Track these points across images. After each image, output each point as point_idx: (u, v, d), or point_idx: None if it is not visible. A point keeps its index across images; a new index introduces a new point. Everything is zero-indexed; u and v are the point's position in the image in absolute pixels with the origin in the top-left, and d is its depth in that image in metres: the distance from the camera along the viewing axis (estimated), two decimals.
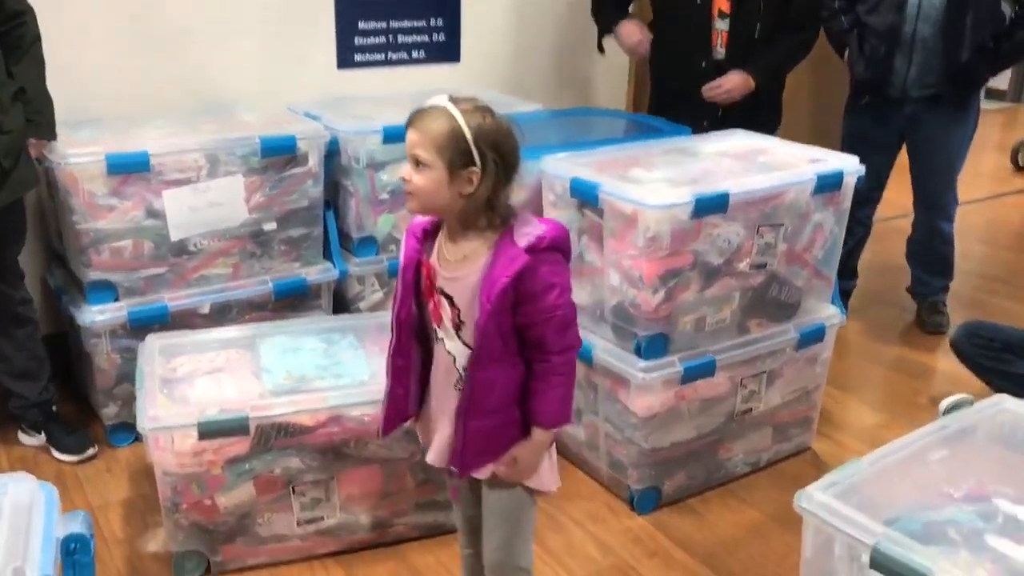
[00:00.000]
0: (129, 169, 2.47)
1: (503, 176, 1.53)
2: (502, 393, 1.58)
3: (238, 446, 2.08)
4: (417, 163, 1.51)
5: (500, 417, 1.60)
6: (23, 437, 2.67)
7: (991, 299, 3.97)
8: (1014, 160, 6.12)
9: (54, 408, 2.66)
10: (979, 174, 5.94)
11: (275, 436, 2.10)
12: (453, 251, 1.58)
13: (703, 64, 3.10)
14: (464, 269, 1.56)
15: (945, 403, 2.92)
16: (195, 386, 2.22)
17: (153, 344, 2.32)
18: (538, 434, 1.60)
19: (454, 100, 1.54)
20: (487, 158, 1.50)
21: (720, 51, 3.10)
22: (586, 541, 2.33)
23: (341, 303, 3.01)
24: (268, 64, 3.08)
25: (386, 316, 2.65)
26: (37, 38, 2.35)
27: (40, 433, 2.64)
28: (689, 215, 2.17)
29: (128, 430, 2.67)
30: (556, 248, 1.54)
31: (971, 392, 2.92)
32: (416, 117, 1.53)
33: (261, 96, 3.05)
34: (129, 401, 2.62)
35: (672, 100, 3.23)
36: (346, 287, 2.99)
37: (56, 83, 2.42)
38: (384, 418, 1.73)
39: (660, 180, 2.33)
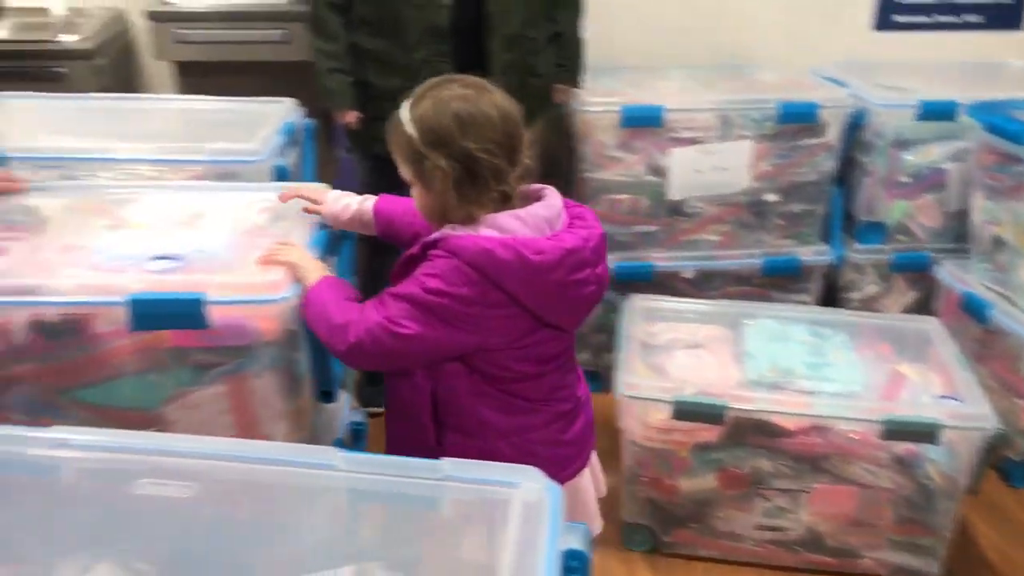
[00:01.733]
0: (642, 123, 2.41)
1: (463, 177, 1.28)
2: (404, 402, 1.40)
3: (710, 433, 1.95)
4: None
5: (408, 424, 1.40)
6: None
7: None
8: None
9: None
10: None
11: (750, 432, 1.93)
12: None
13: None
14: None
15: None
16: (674, 358, 2.12)
17: (637, 304, 2.26)
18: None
19: (428, 88, 1.34)
20: (427, 160, 1.28)
21: None
22: None
23: (830, 291, 2.73)
24: (794, 20, 2.84)
25: (889, 320, 2.38)
26: None
27: None
28: None
29: (595, 378, 2.68)
30: (456, 254, 1.27)
31: None
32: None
33: (783, 55, 2.82)
34: (600, 350, 2.63)
35: None
36: (839, 274, 2.70)
37: (586, 27, 2.41)
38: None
39: None
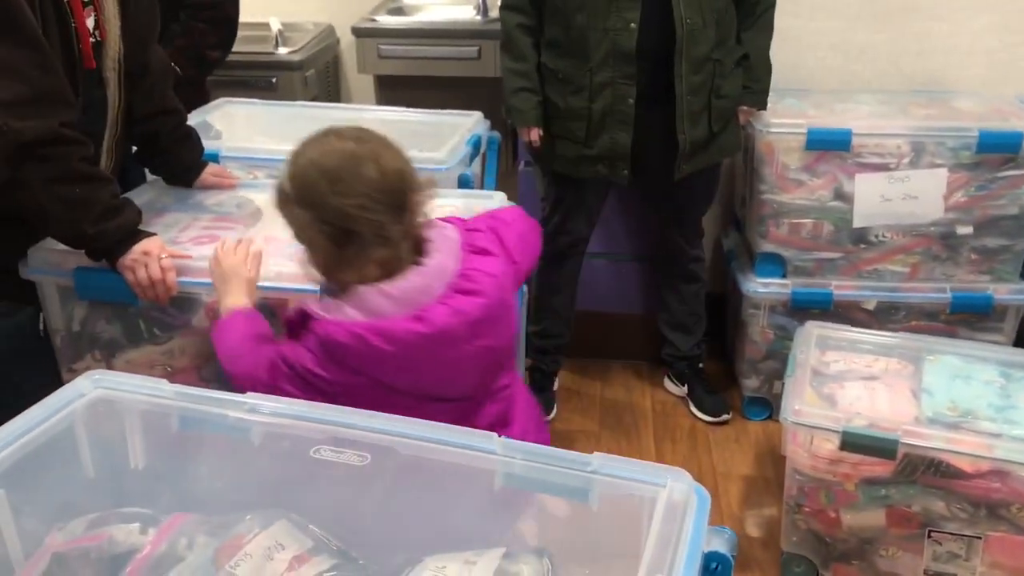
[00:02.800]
0: (828, 146, 2.36)
1: (339, 237, 1.22)
2: None
3: (879, 467, 1.88)
4: None
5: None
6: (668, 384, 2.80)
7: None
8: None
9: (700, 365, 2.74)
10: None
11: (923, 470, 1.85)
12: None
13: None
14: None
15: None
16: (846, 388, 2.05)
17: (811, 332, 2.21)
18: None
19: (305, 143, 1.26)
20: (303, 218, 1.23)
21: None
22: None
23: None
24: (1001, 46, 2.68)
25: None
26: (772, 4, 2.33)
27: (683, 385, 2.74)
28: None
29: (764, 406, 2.64)
30: (316, 335, 1.22)
31: None
32: None
33: (986, 82, 2.68)
34: (771, 377, 2.58)
35: None
36: None
37: (772, 49, 2.39)
38: None
39: None
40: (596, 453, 1.00)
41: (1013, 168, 2.35)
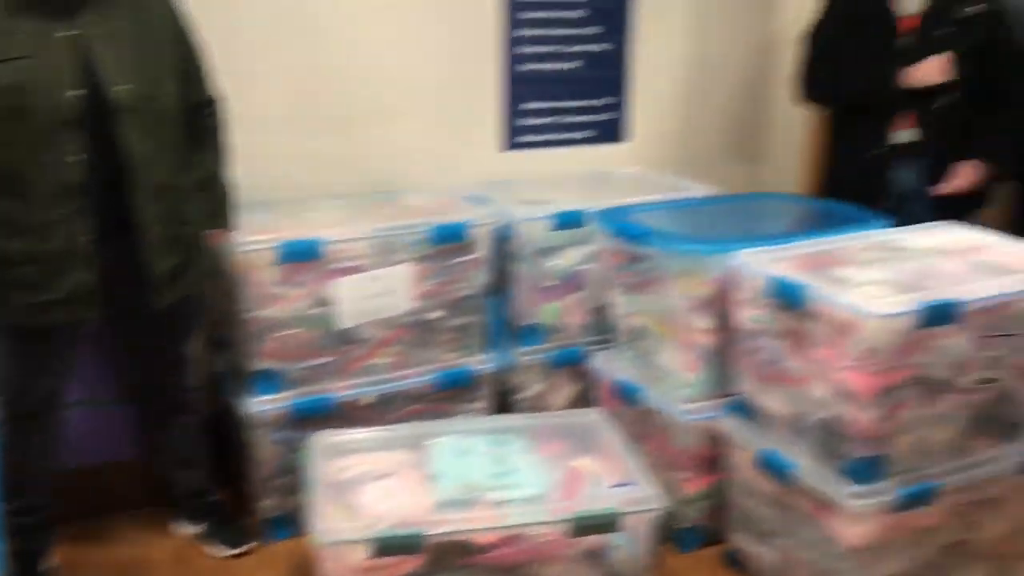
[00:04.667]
0: (300, 258, 2.40)
1: None
2: None
3: (413, 563, 1.93)
4: None
5: None
6: (182, 526, 2.59)
7: None
8: None
9: (212, 498, 2.59)
10: None
11: (451, 555, 1.95)
12: None
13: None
14: None
15: None
16: (365, 493, 2.09)
17: (320, 443, 2.21)
18: None
19: None
20: None
21: (909, 133, 2.83)
22: None
23: (503, 396, 2.86)
24: (434, 146, 3.00)
25: (558, 418, 2.53)
26: (223, 126, 2.31)
27: (199, 523, 2.56)
28: (914, 326, 1.94)
29: (286, 523, 2.57)
30: None
31: None
32: None
33: (428, 179, 2.97)
34: (287, 493, 2.53)
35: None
36: (508, 378, 2.84)
37: (235, 166, 2.37)
38: None
39: (873, 282, 2.10)
40: None
41: (464, 254, 2.62)
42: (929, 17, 2.75)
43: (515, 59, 3.04)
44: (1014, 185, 3.00)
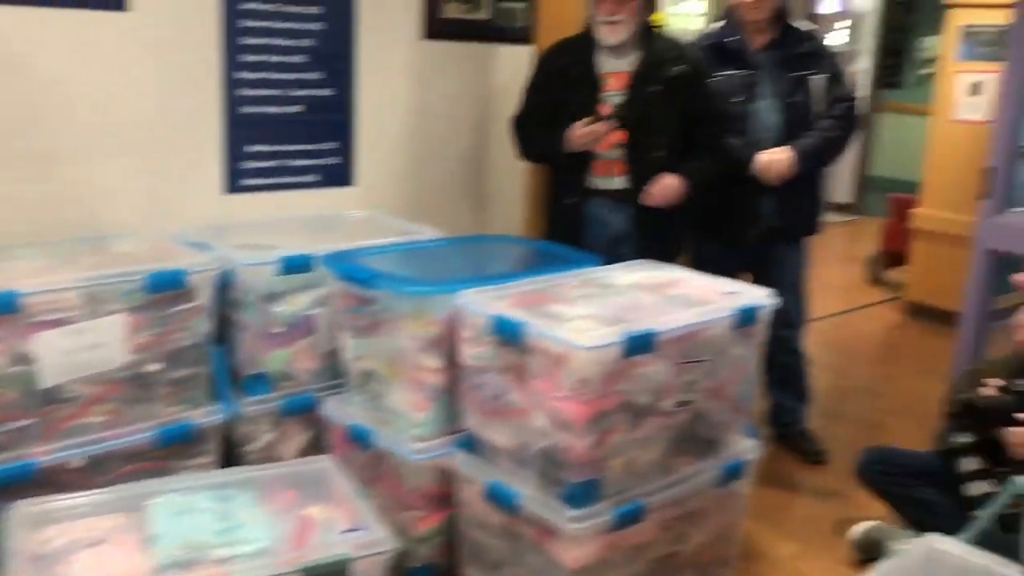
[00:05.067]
0: None
1: None
2: None
3: None
4: None
5: None
6: None
7: (871, 415, 4.09)
8: (870, 272, 6.44)
9: None
10: (835, 287, 6.23)
11: None
12: None
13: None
14: None
15: (855, 531, 2.94)
16: (73, 563, 1.93)
17: (22, 512, 2.02)
18: None
19: None
20: None
21: (620, 180, 3.10)
22: None
23: (230, 447, 2.75)
24: (149, 187, 2.87)
25: (288, 467, 2.47)
26: None
27: None
28: (619, 355, 2.10)
29: None
30: None
31: (879, 518, 2.94)
32: None
33: (140, 222, 2.83)
34: None
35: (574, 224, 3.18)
36: (235, 429, 2.74)
37: None
38: None
39: (584, 317, 2.25)
40: None
41: (184, 302, 2.51)
42: (640, 75, 3.04)
43: (236, 101, 2.99)
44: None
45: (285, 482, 2.32)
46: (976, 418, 2.61)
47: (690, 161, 3.11)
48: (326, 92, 3.17)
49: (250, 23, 2.96)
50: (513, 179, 3.67)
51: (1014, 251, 3.23)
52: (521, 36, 3.61)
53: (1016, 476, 2.26)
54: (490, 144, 3.63)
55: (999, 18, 4.25)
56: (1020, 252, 3.21)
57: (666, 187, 3.05)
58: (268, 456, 2.77)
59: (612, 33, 3.03)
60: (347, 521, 2.16)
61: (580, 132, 3.00)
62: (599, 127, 2.99)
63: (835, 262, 6.83)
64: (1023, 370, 2.55)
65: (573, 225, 3.17)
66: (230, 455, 2.74)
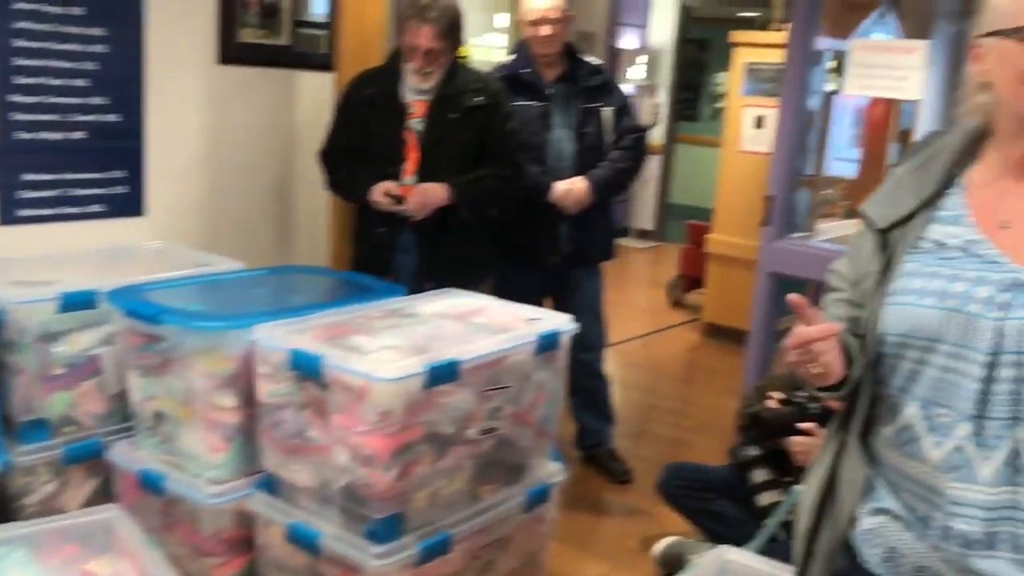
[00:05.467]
0: None
1: None
2: None
3: None
4: None
5: None
6: None
7: (674, 433, 4.26)
8: (670, 295, 6.75)
9: None
10: (639, 310, 6.49)
11: None
12: None
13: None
14: None
15: (657, 547, 3.04)
16: None
17: None
18: None
19: None
20: None
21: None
22: None
23: (4, 502, 2.52)
24: None
25: (70, 519, 2.29)
26: None
27: None
28: (422, 386, 2.08)
29: None
30: None
31: (682, 533, 3.06)
32: None
33: None
34: None
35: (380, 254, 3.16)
36: (10, 481, 2.52)
37: None
38: None
39: (385, 348, 2.22)
40: None
41: None
42: (441, 103, 3.05)
43: (9, 126, 2.77)
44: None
45: (65, 536, 2.14)
46: (763, 430, 2.77)
47: (463, 176, 3.11)
48: (112, 118, 2.99)
49: (24, 43, 2.76)
50: (320, 209, 3.60)
51: (794, 274, 3.46)
52: (323, 63, 3.55)
53: (797, 485, 2.40)
54: (296, 172, 3.55)
55: (777, 56, 4.58)
56: (799, 275, 3.45)
57: (426, 192, 3.05)
58: (49, 509, 2.56)
59: (423, 81, 3.05)
60: (134, 574, 2.02)
61: (380, 198, 3.03)
62: (396, 207, 3.03)
63: (639, 286, 7.13)
64: (801, 384, 2.72)
65: (381, 255, 3.15)
66: (5, 510, 2.51)
